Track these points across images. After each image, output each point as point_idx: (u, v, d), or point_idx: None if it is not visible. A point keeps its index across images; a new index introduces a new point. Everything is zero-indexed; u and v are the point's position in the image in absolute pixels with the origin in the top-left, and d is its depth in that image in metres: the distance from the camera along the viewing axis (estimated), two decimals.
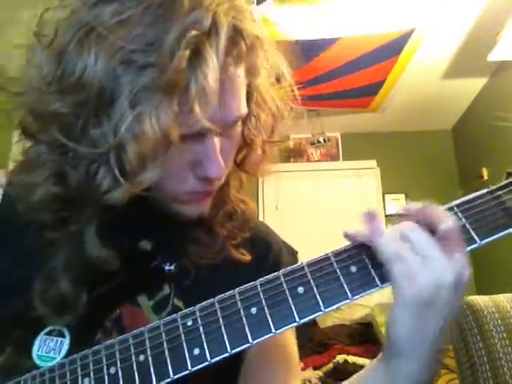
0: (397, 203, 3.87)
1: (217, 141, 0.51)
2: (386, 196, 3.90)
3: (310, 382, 2.49)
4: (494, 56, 2.51)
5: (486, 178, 3.28)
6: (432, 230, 0.45)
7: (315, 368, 2.65)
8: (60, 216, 0.51)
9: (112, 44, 0.43)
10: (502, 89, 3.04)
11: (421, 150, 3.93)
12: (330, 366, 2.62)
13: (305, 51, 2.76)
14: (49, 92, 0.46)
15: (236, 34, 0.47)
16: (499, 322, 1.09)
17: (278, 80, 0.60)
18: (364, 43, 2.74)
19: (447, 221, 0.45)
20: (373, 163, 3.97)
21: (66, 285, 0.52)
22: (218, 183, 0.56)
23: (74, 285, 0.52)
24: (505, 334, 1.07)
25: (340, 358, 2.62)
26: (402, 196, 3.87)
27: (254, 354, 0.61)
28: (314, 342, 2.86)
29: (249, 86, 0.55)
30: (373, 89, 3.27)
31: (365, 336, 2.89)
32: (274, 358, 0.64)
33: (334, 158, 4.08)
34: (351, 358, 2.62)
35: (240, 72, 0.50)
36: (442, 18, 2.52)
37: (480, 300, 1.14)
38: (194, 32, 0.43)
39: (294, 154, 4.06)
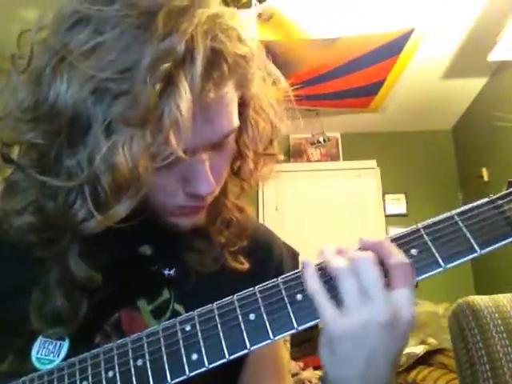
0: (397, 203, 3.87)
1: (206, 158, 0.50)
2: (386, 196, 3.90)
3: (310, 382, 2.49)
4: (494, 56, 2.50)
5: (486, 178, 3.28)
6: (381, 262, 0.45)
7: (315, 368, 2.65)
8: (43, 237, 0.51)
9: (85, 70, 0.42)
10: (502, 89, 3.04)
11: (421, 150, 3.93)
12: None
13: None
14: (23, 120, 0.46)
15: (216, 56, 0.45)
16: (499, 322, 1.08)
17: (275, 83, 0.59)
18: (364, 43, 2.73)
19: (398, 256, 0.44)
20: (373, 163, 3.97)
21: (61, 301, 0.52)
22: (210, 198, 0.55)
23: (69, 299, 0.52)
24: (505, 334, 1.07)
25: None
26: (402, 196, 3.87)
27: (252, 362, 0.62)
28: (314, 342, 2.85)
29: (242, 97, 0.54)
30: (373, 89, 3.27)
31: None
32: (271, 367, 0.65)
33: (334, 158, 4.07)
34: None
35: (227, 89, 0.48)
36: (442, 17, 2.52)
37: (480, 300, 1.14)
38: (166, 61, 0.41)
39: (294, 154, 4.06)
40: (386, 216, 3.83)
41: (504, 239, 0.45)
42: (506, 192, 0.48)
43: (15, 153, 0.50)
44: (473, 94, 3.46)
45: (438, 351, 2.53)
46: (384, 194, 3.91)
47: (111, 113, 0.42)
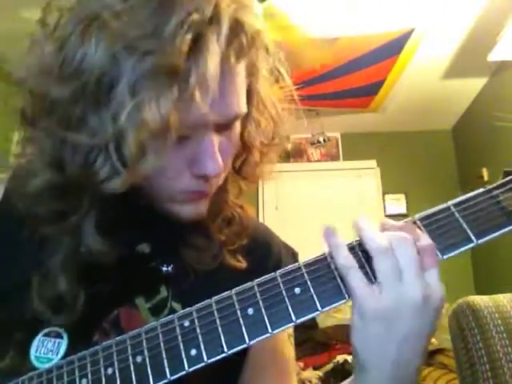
0: (397, 203, 3.87)
1: (215, 139, 0.50)
2: (386, 196, 3.90)
3: (310, 382, 2.49)
4: (494, 56, 2.50)
5: (486, 178, 3.28)
6: None
7: (315, 368, 2.65)
8: (56, 209, 0.51)
9: (114, 31, 0.43)
10: (502, 89, 3.04)
11: (421, 150, 3.93)
12: (330, 365, 2.62)
13: None
14: (49, 78, 0.46)
15: (237, 25, 0.46)
16: (499, 321, 1.08)
17: (277, 81, 0.60)
18: (364, 43, 2.73)
19: (426, 237, 0.45)
20: (373, 163, 3.97)
21: (64, 284, 0.52)
22: (215, 182, 0.55)
23: (71, 284, 0.52)
24: (505, 334, 1.07)
25: (340, 357, 2.62)
26: (402, 196, 3.87)
27: (252, 359, 0.62)
28: (314, 342, 2.85)
29: (249, 87, 0.54)
30: (373, 89, 3.27)
31: None
32: (271, 364, 0.64)
33: (334, 158, 4.08)
34: (351, 358, 2.61)
35: (240, 69, 0.50)
36: (442, 18, 2.52)
37: (480, 300, 1.13)
38: (195, 18, 0.43)
39: (294, 154, 4.06)
40: (386, 216, 3.82)
41: (500, 229, 0.46)
42: (501, 182, 0.48)
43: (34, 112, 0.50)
44: (473, 94, 3.46)
45: (438, 351, 2.53)
46: (384, 193, 3.91)
47: (138, 70, 0.42)
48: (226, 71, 0.47)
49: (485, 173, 3.31)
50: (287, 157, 4.02)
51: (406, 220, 0.48)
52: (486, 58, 2.54)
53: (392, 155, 3.94)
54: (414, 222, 0.47)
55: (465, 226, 0.46)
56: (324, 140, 3.84)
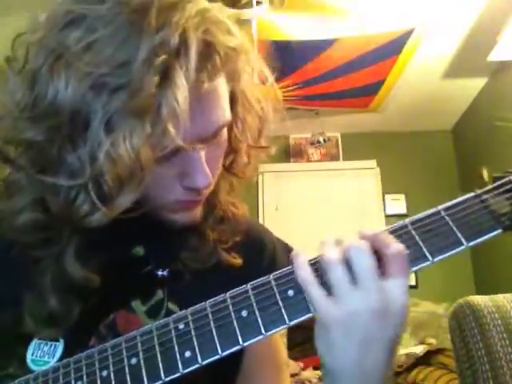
0: (397, 203, 3.87)
1: (202, 151, 0.51)
2: (386, 196, 3.89)
3: (310, 382, 2.49)
4: (494, 56, 2.50)
5: (485, 178, 3.28)
6: (378, 254, 0.45)
7: (315, 368, 2.65)
8: (42, 237, 0.52)
9: (81, 69, 0.43)
10: (502, 89, 3.04)
11: (421, 150, 3.93)
12: None
13: (305, 51, 2.76)
14: (22, 119, 0.46)
15: (208, 48, 0.46)
16: (499, 321, 1.08)
17: (263, 82, 0.60)
18: (364, 43, 2.73)
19: (395, 245, 0.45)
20: (373, 163, 3.97)
21: (55, 303, 0.52)
22: (206, 192, 0.56)
23: (63, 302, 0.52)
24: (505, 334, 1.07)
25: None
26: (402, 196, 3.87)
27: (246, 360, 0.62)
28: (313, 342, 2.85)
29: (232, 91, 0.55)
30: (373, 89, 3.27)
31: None
32: (265, 363, 0.64)
33: (334, 157, 4.07)
34: None
35: (218, 81, 0.50)
36: (442, 17, 2.52)
37: (480, 300, 1.13)
38: (161, 53, 0.42)
39: (294, 154, 4.06)
40: (386, 216, 3.83)
41: (489, 232, 0.46)
42: (491, 187, 0.49)
43: (11, 154, 0.50)
44: (473, 94, 3.46)
45: (438, 351, 2.54)
46: (384, 193, 3.91)
47: (110, 107, 0.43)
48: (202, 94, 0.47)
49: (485, 173, 3.30)
50: (287, 157, 4.02)
51: (397, 223, 0.48)
52: (486, 58, 2.53)
53: (392, 155, 3.94)
54: (406, 226, 0.48)
55: (455, 229, 0.47)
56: (324, 140, 3.83)
